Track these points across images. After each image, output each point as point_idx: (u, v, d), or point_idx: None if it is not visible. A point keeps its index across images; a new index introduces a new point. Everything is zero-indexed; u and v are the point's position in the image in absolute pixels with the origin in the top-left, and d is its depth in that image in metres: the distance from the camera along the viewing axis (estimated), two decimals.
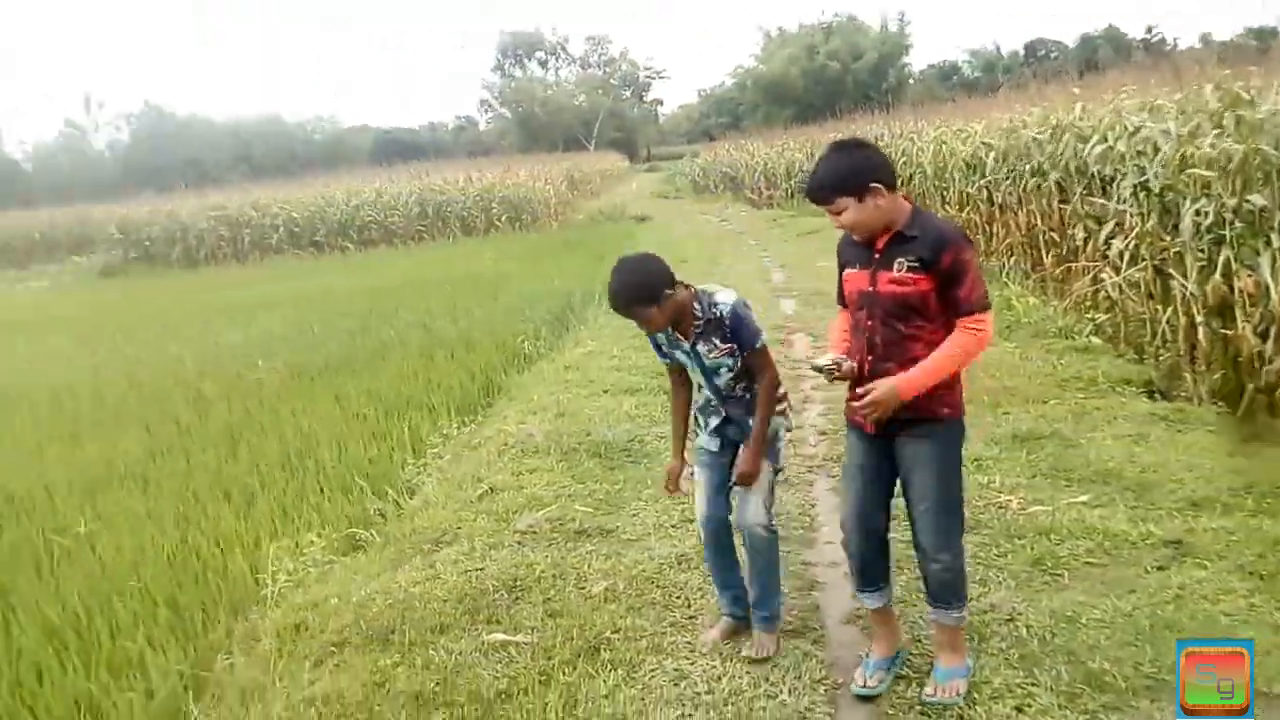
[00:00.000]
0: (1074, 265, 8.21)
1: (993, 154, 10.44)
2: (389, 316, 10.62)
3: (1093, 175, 8.26)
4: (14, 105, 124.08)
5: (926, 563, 2.81)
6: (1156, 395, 5.68)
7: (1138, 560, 3.47)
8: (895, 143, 15.33)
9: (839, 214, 2.68)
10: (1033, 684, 2.84)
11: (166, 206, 25.49)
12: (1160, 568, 3.39)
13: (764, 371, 3.06)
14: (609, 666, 3.18)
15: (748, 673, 3.08)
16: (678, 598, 3.62)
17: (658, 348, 3.25)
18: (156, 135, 63.88)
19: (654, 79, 76.34)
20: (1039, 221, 9.41)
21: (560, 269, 13.29)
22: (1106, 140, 8.08)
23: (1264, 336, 5.49)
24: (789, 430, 3.29)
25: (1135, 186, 7.17)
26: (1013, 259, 9.97)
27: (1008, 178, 10.24)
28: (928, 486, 2.74)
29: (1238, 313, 5.71)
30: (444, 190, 23.43)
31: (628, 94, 74.46)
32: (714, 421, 3.21)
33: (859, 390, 2.73)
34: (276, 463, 5.84)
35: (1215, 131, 6.01)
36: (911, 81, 57.58)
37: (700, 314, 3.04)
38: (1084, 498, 4.05)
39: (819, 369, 2.80)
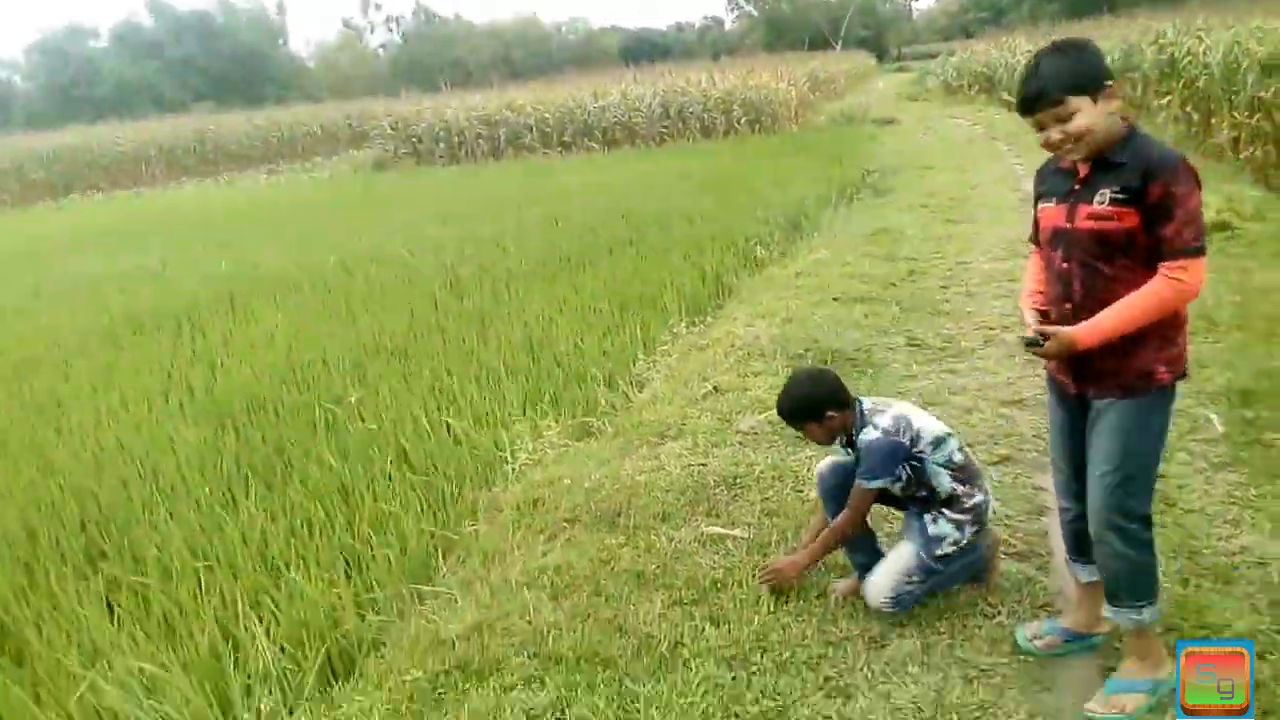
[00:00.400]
0: None
1: None
2: (627, 215, 10.88)
3: None
4: (299, 6, 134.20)
5: (1095, 543, 2.48)
6: None
7: None
8: (1180, 40, 13.72)
9: (1067, 120, 2.28)
10: (1278, 632, 2.64)
11: (432, 105, 27.05)
12: None
13: (850, 508, 2.98)
14: (821, 569, 3.24)
15: (966, 590, 3.06)
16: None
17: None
18: (424, 37, 67.52)
19: None
20: None
21: (796, 172, 13.05)
22: None
23: None
24: (962, 534, 2.99)
25: None
26: None
27: None
28: (1109, 452, 2.39)
29: None
30: (686, 92, 23.38)
31: None
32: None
33: (1039, 336, 2.39)
34: (520, 348, 6.22)
35: None
36: None
37: (853, 429, 3.01)
38: None
39: (1029, 345, 2.44)
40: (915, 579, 2.95)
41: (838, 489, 3.09)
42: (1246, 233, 7.08)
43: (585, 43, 69.78)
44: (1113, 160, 2.30)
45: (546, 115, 24.04)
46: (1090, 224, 2.34)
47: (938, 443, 2.96)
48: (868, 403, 3.06)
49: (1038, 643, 2.74)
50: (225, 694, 3.03)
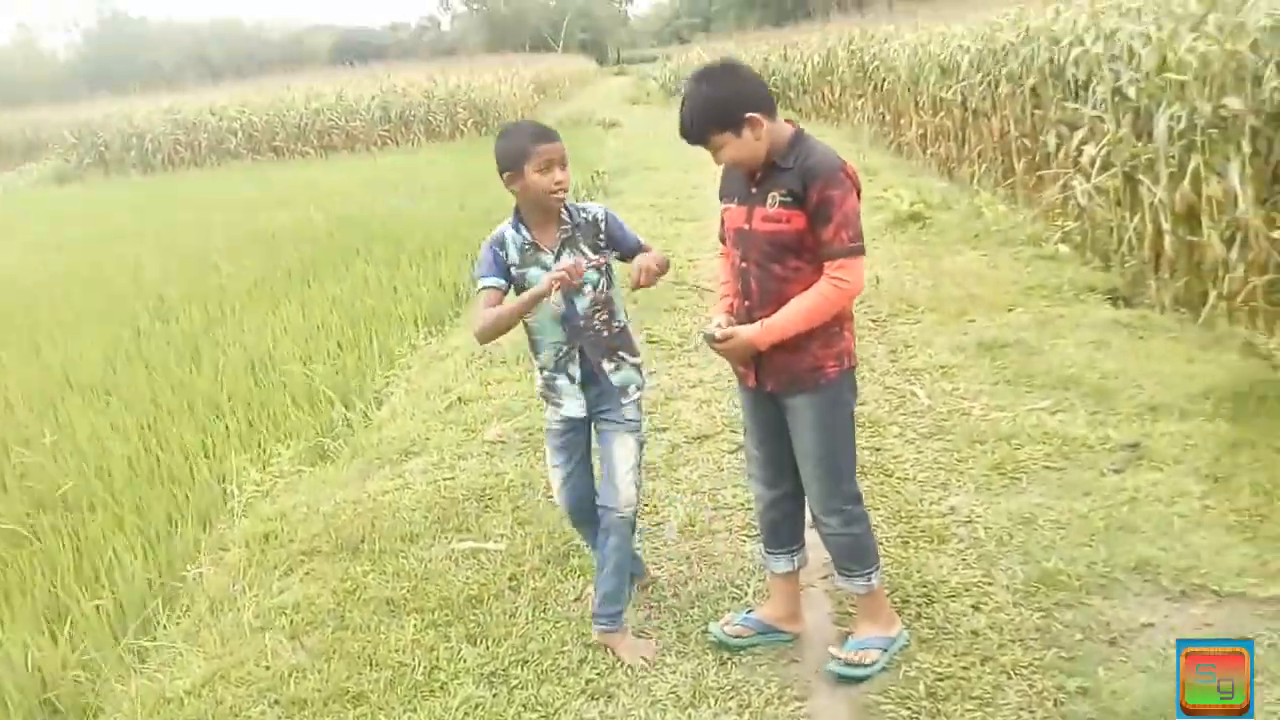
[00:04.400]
0: (1045, 173, 8.17)
1: (967, 57, 10.26)
2: (352, 223, 10.43)
3: (1068, 80, 8.17)
4: None
5: (817, 525, 2.65)
6: (1120, 302, 5.73)
7: (1095, 464, 3.54)
8: (869, 45, 15.05)
9: (719, 151, 2.42)
10: (989, 582, 2.92)
11: (122, 110, 24.67)
12: (1117, 471, 3.46)
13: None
14: (577, 573, 3.23)
15: (715, 579, 3.14)
16: (647, 505, 3.65)
17: (497, 264, 2.68)
18: (111, 36, 61.60)
19: None
20: (1012, 128, 9.31)
21: None
22: (1083, 44, 7.96)
23: (1229, 244, 5.52)
24: (640, 389, 2.86)
25: (1111, 91, 7.10)
26: (984, 166, 9.91)
27: (982, 82, 10.10)
28: (808, 445, 2.54)
29: (1204, 220, 5.73)
30: (407, 93, 22.77)
31: None
32: (576, 373, 2.75)
33: (717, 332, 2.49)
34: (241, 373, 5.79)
35: (1192, 35, 5.91)
36: None
37: (569, 219, 2.70)
38: (1045, 403, 4.11)
39: (711, 339, 2.52)
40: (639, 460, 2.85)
41: None
42: (936, 221, 7.84)
43: (293, 42, 66.38)
44: (781, 165, 2.41)
45: (254, 119, 22.60)
46: (764, 226, 2.43)
47: None
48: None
49: (728, 630, 2.79)
50: None
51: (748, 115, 2.37)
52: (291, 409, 5.18)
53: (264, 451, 4.66)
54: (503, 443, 4.38)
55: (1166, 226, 6.03)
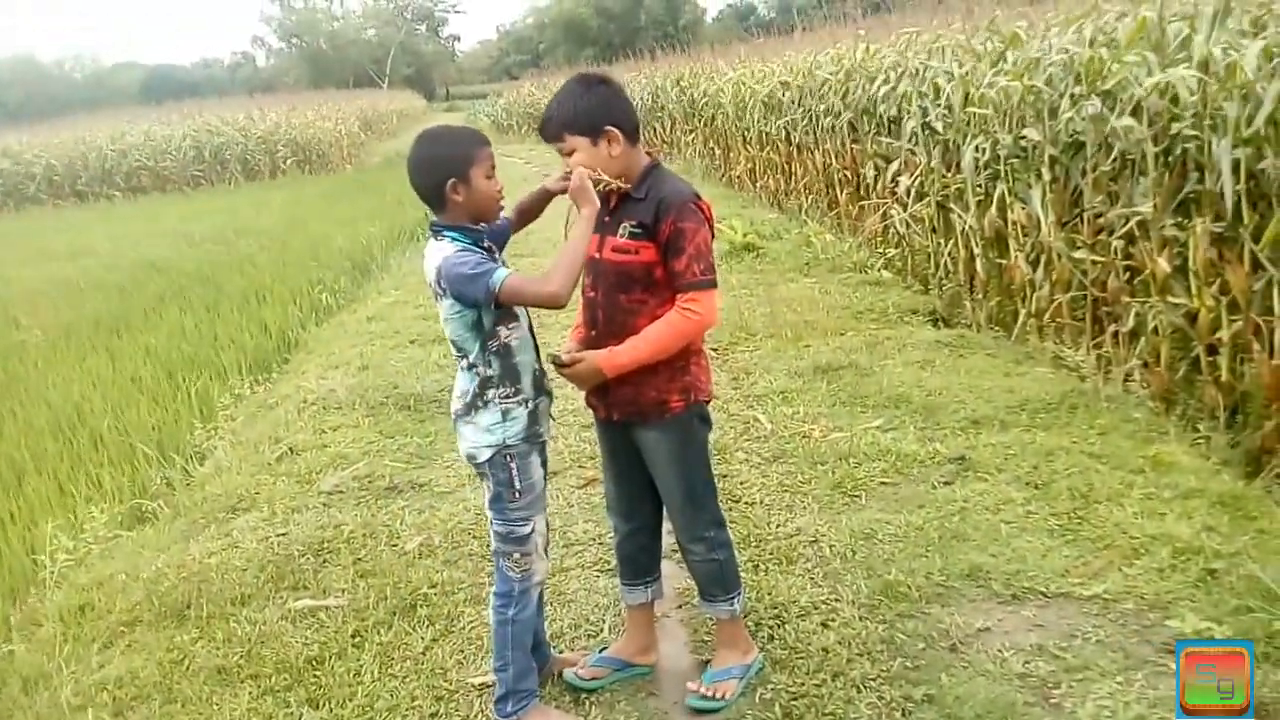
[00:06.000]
0: (866, 203, 8.57)
1: (789, 94, 10.70)
2: (165, 267, 9.85)
3: (880, 116, 8.64)
4: None
5: (683, 553, 2.67)
6: (940, 323, 6.05)
7: (926, 477, 3.70)
8: (697, 81, 15.48)
9: (570, 154, 2.39)
10: (836, 599, 2.98)
11: None
12: (946, 483, 3.62)
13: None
14: (426, 622, 3.10)
15: (570, 617, 3.08)
16: None
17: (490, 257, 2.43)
18: None
19: (450, 13, 74.13)
20: (834, 161, 9.76)
21: (357, 214, 12.71)
22: (889, 81, 8.44)
23: (1034, 265, 5.94)
24: (539, 439, 2.51)
25: (921, 126, 7.54)
26: (811, 198, 10.32)
27: (804, 118, 10.54)
28: (667, 478, 2.52)
29: (1011, 244, 6.14)
30: (222, 131, 21.80)
31: (422, 28, 71.80)
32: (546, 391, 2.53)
33: (564, 356, 2.44)
34: (47, 433, 5.34)
35: (993, 71, 6.35)
36: (710, 20, 58.44)
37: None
38: (878, 422, 4.28)
39: (558, 363, 2.45)
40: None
41: None
42: (768, 251, 8.10)
43: (97, 81, 62.61)
44: (634, 195, 2.40)
45: (54, 162, 21.12)
46: (614, 256, 2.41)
47: None
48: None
49: (581, 673, 2.72)
50: None
51: (608, 127, 2.36)
52: (105, 468, 4.80)
53: (76, 516, 4.29)
54: (340, 493, 4.18)
55: (978, 251, 6.43)
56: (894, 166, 8.22)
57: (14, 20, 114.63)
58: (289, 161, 21.52)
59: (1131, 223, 5.03)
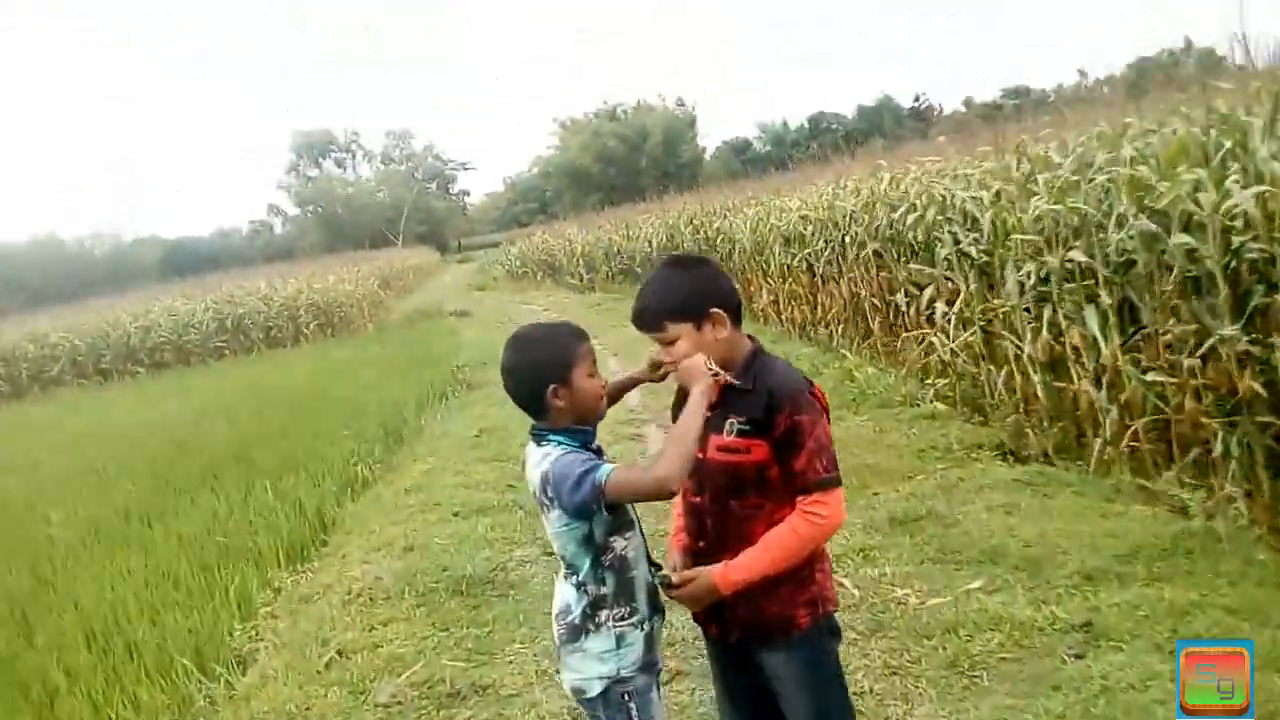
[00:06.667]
0: (906, 335, 8.39)
1: (811, 226, 10.69)
2: (193, 448, 9.66)
3: (909, 242, 8.55)
4: None
5: None
6: (1009, 456, 5.73)
7: (1052, 649, 3.33)
8: (710, 219, 15.63)
9: (671, 343, 2.19)
10: None
11: None
12: (1077, 656, 3.25)
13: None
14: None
15: None
16: None
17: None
18: None
19: (459, 170, 76.72)
20: (862, 290, 9.64)
21: (385, 375, 12.62)
22: (916, 209, 8.39)
23: (1098, 387, 5.67)
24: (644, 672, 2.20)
25: (954, 253, 7.42)
26: (841, 327, 10.17)
27: (826, 248, 10.50)
28: (796, 705, 2.21)
29: (1072, 368, 5.89)
30: (244, 301, 22.07)
31: (433, 186, 74.21)
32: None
33: (673, 576, 2.19)
34: (81, 643, 5.02)
35: (1035, 196, 6.24)
36: (707, 157, 60.16)
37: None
38: (978, 583, 3.92)
39: (667, 584, 2.21)
40: None
41: None
42: None
43: (118, 257, 64.39)
44: (740, 385, 2.17)
45: (79, 342, 21.34)
46: (720, 456, 2.17)
47: None
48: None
49: None
50: None
51: (713, 310, 2.16)
52: (143, 684, 4.46)
53: None
54: (399, 704, 3.82)
55: (1035, 377, 6.18)
56: (928, 292, 8.08)
57: (37, 200, 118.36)
58: (311, 325, 21.68)
59: (1209, 341, 4.78)
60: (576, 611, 2.16)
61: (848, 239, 9.84)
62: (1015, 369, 6.48)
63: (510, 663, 4.07)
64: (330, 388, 12.31)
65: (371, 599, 4.93)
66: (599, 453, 2.22)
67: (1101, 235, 5.61)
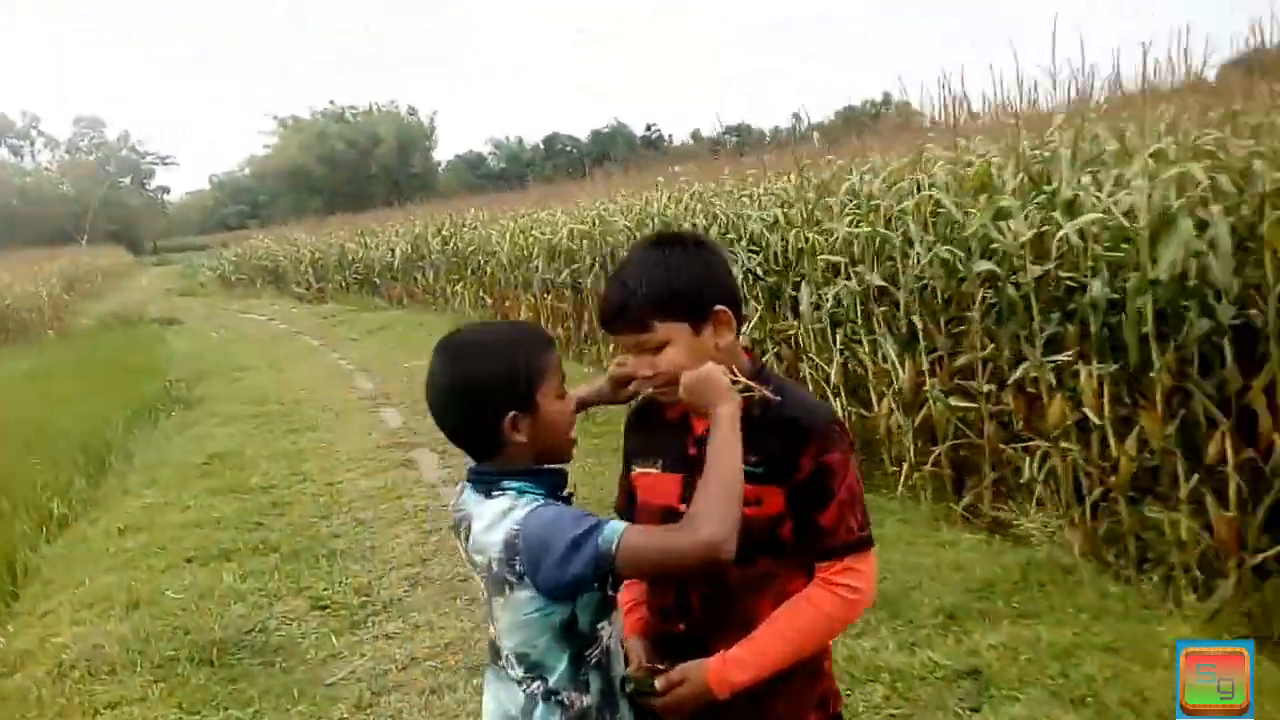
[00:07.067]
0: None
1: (579, 242, 10.30)
2: None
3: None
4: None
5: None
6: None
7: (941, 701, 3.01)
8: (460, 230, 14.86)
9: (656, 350, 1.61)
10: None
11: None
12: (972, 709, 2.96)
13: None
14: None
15: None
16: None
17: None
18: None
19: (158, 164, 69.96)
20: None
21: (80, 390, 10.77)
22: (697, 229, 8.21)
23: (896, 411, 5.65)
24: None
25: (742, 271, 7.28)
26: (611, 347, 9.83)
27: (593, 265, 10.16)
28: None
29: (873, 392, 5.85)
30: None
31: (127, 181, 67.03)
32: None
33: (656, 679, 1.57)
34: None
35: (833, 220, 6.20)
36: (440, 170, 58.79)
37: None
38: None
39: (644, 690, 1.57)
40: None
41: None
42: (593, 411, 7.38)
43: None
44: (748, 413, 1.56)
45: None
46: None
47: None
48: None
49: None
50: None
51: (718, 308, 1.60)
52: None
53: None
54: None
55: (837, 401, 6.09)
56: None
57: None
58: None
59: (1020, 369, 4.82)
60: None
61: (621, 255, 9.53)
62: (815, 393, 6.38)
63: None
64: (10, 404, 10.33)
65: (91, 672, 3.86)
66: (569, 502, 1.59)
67: (905, 260, 5.60)
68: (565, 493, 1.60)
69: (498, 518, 1.48)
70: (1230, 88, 5.15)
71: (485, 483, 1.55)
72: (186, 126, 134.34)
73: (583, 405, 1.76)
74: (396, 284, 17.34)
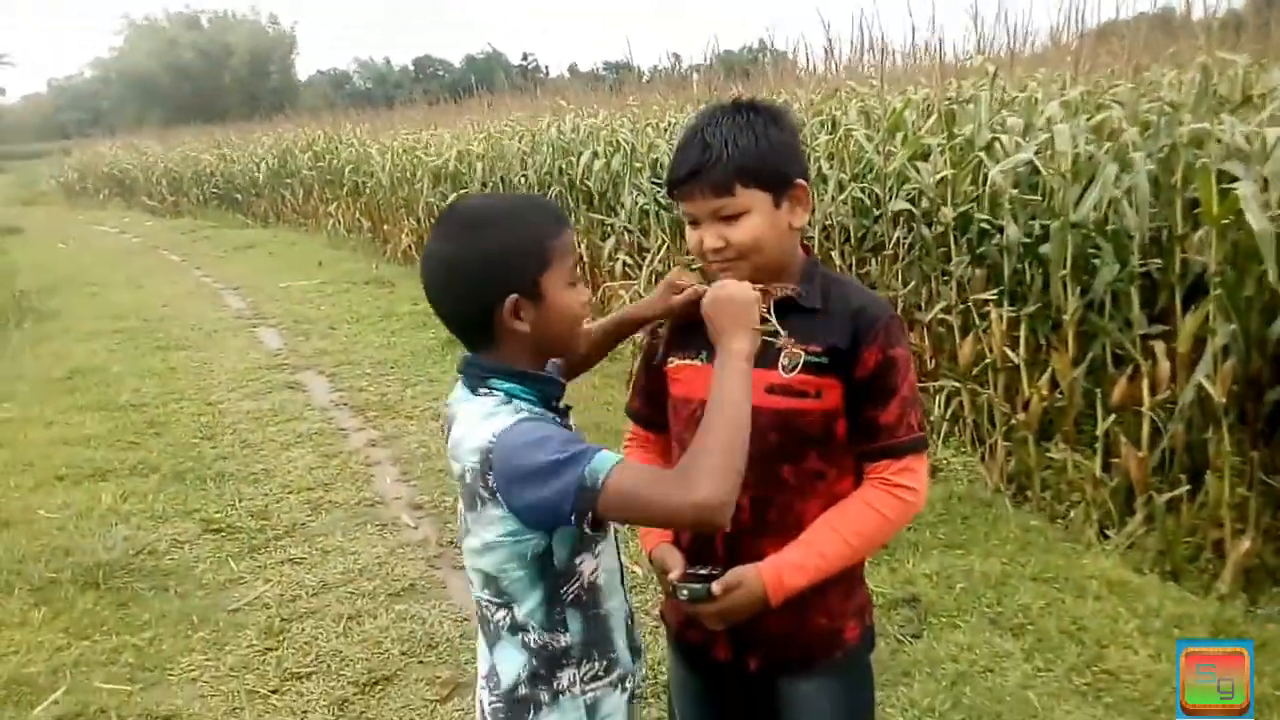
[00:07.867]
0: (607, 284, 7.98)
1: (477, 163, 9.89)
2: None
3: (591, 192, 8.15)
4: None
5: None
6: None
7: (883, 628, 2.99)
8: (336, 149, 14.08)
9: (732, 221, 1.44)
10: None
11: None
12: (914, 636, 2.97)
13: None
14: None
15: None
16: None
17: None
18: None
19: None
20: None
21: None
22: (601, 157, 8.00)
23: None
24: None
25: (652, 205, 7.16)
26: None
27: (485, 189, 9.80)
28: None
29: None
30: None
31: None
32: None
33: (714, 584, 1.42)
34: None
35: None
36: (302, 87, 55.81)
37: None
38: None
39: (693, 597, 1.42)
40: None
41: None
42: None
43: None
44: (801, 303, 1.47)
45: None
46: (775, 401, 1.45)
47: None
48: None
49: None
50: None
51: (800, 182, 1.46)
52: None
53: None
54: None
55: None
56: (608, 245, 7.78)
57: None
58: None
59: (934, 310, 4.89)
60: (520, 674, 1.36)
61: (515, 181, 9.23)
62: None
63: (194, 681, 3.03)
64: None
65: None
66: (565, 415, 1.43)
67: (818, 197, 5.57)
68: (562, 404, 1.43)
69: (478, 420, 1.30)
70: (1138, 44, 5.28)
71: (472, 376, 1.37)
72: (27, 25, 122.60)
73: (634, 322, 1.61)
74: (262, 201, 16.38)
